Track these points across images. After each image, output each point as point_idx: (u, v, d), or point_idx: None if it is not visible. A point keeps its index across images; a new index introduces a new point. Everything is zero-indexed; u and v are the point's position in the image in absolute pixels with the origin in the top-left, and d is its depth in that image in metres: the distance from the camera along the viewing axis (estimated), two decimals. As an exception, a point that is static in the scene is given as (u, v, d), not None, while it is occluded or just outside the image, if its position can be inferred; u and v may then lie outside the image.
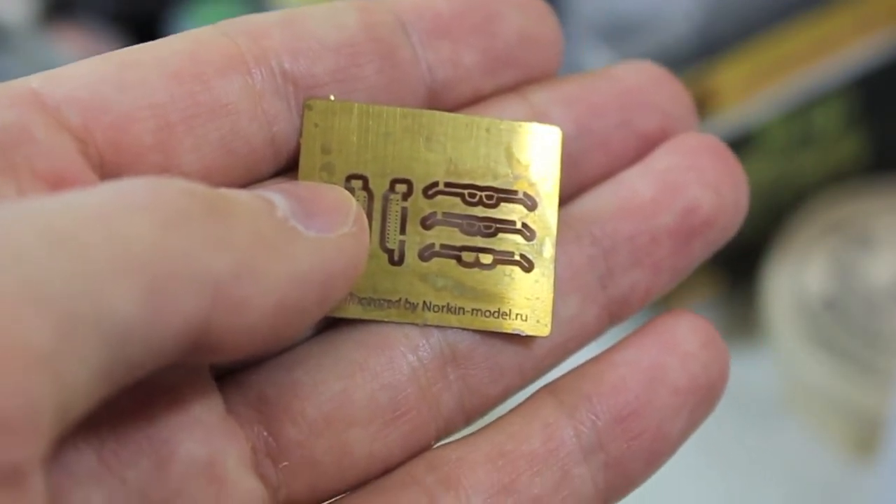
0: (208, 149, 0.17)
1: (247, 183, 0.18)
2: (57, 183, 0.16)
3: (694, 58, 0.43)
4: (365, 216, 0.17)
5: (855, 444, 0.42)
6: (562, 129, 0.19)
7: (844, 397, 0.41)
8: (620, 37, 0.44)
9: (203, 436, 0.17)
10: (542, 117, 0.19)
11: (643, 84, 0.20)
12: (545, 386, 0.19)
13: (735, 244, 0.21)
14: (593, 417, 0.18)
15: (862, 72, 0.45)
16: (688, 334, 0.19)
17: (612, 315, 0.19)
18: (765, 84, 0.44)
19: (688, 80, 0.43)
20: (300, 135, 0.18)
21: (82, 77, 0.17)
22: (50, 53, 0.46)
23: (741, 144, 0.44)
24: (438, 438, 0.19)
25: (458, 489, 0.18)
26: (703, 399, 0.19)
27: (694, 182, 0.19)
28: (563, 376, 0.19)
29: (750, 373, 0.42)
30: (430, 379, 0.18)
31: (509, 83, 0.20)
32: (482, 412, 0.19)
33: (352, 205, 0.17)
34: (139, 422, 0.16)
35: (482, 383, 0.19)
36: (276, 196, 0.16)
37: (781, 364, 0.44)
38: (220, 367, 0.18)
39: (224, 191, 0.15)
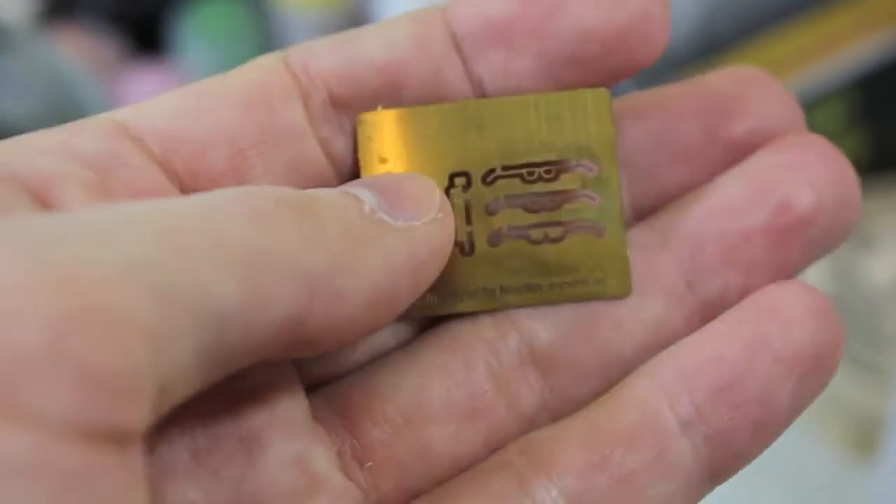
0: (278, 171, 0.18)
1: None
2: None
3: (694, 58, 0.43)
4: (448, 201, 0.18)
5: (855, 444, 0.42)
6: (634, 139, 0.19)
7: (844, 397, 0.41)
8: (620, 37, 0.44)
9: (292, 434, 0.17)
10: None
11: (730, 89, 0.19)
12: (640, 370, 0.19)
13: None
14: (690, 390, 0.18)
15: (862, 72, 0.45)
16: (792, 302, 0.18)
17: (706, 318, 0.19)
18: (765, 84, 0.44)
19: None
20: (356, 150, 0.19)
21: (162, 109, 0.18)
22: (50, 53, 0.46)
23: (741, 144, 0.44)
24: (524, 435, 0.19)
25: (549, 468, 0.17)
26: (812, 368, 0.18)
27: (788, 179, 0.18)
28: (658, 355, 0.18)
29: (750, 373, 0.42)
30: (509, 378, 0.18)
31: (572, 83, 0.19)
32: (573, 412, 0.19)
33: (435, 191, 0.18)
34: (230, 420, 0.17)
35: (565, 385, 0.19)
36: (362, 191, 0.17)
37: (781, 364, 0.44)
38: (307, 380, 0.18)
39: (311, 191, 0.16)
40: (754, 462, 0.19)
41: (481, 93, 0.19)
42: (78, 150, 0.17)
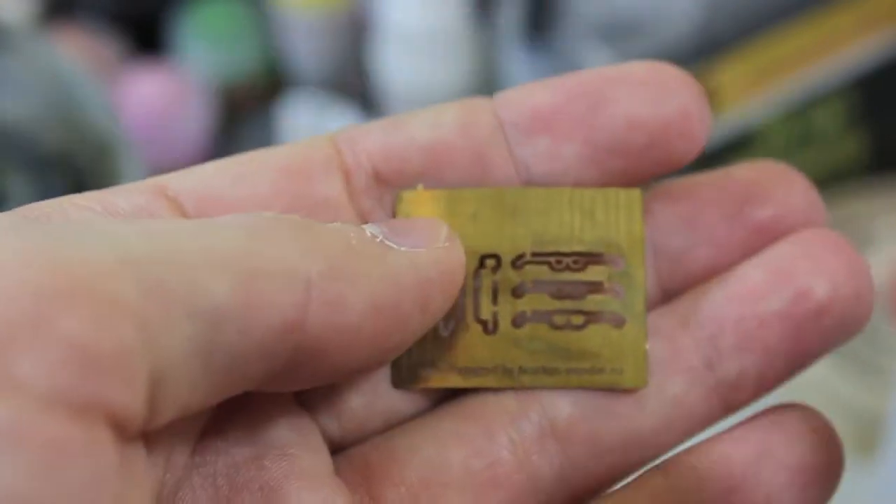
0: None
1: None
2: None
3: (694, 58, 0.43)
4: (457, 236, 0.18)
5: (855, 444, 0.42)
6: (664, 222, 0.20)
7: (844, 397, 0.41)
8: (620, 37, 0.44)
9: (314, 486, 0.17)
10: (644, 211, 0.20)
11: (756, 178, 0.20)
12: (654, 465, 0.19)
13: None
14: (700, 490, 0.18)
15: (862, 72, 0.45)
16: (797, 420, 0.19)
17: (725, 400, 0.19)
18: (765, 84, 0.44)
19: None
20: None
21: (202, 174, 0.18)
22: (50, 53, 0.46)
23: (741, 144, 0.44)
24: None
25: None
26: (814, 480, 0.18)
27: (807, 270, 0.19)
28: (672, 455, 0.19)
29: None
30: (528, 450, 0.19)
31: (616, 171, 0.19)
32: (589, 491, 0.19)
33: (443, 225, 0.18)
34: (252, 471, 0.17)
35: (584, 459, 0.19)
36: (367, 225, 0.17)
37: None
38: (329, 444, 0.19)
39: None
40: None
41: (527, 176, 0.19)
42: (115, 205, 0.17)
